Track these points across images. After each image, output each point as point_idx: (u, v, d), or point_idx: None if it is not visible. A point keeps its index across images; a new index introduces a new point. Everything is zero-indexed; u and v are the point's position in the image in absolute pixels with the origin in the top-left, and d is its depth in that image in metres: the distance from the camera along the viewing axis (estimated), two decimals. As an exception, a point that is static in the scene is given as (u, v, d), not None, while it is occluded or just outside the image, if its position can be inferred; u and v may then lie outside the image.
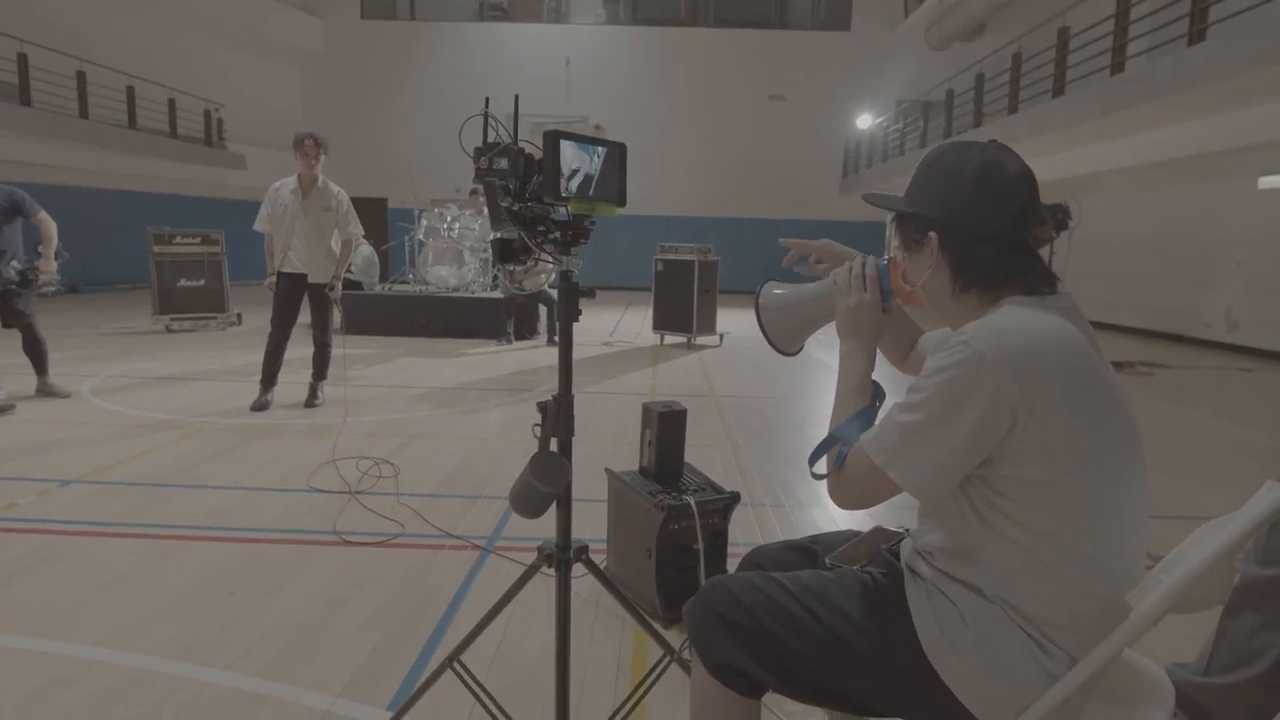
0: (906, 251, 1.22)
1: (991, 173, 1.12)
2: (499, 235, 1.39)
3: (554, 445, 1.42)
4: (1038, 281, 1.13)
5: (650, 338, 9.15)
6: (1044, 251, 1.22)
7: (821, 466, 1.19)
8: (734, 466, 3.95)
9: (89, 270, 14.44)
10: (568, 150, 1.27)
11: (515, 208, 1.32)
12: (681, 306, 8.52)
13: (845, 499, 1.16)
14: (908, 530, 1.36)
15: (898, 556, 1.28)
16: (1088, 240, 11.74)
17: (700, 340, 8.76)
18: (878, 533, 1.42)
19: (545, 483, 1.34)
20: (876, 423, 1.15)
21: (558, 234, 1.35)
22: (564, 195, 1.27)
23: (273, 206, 4.86)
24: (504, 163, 1.28)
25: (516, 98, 1.38)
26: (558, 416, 1.39)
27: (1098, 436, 1.05)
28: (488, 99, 1.37)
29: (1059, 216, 6.14)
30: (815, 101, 18.86)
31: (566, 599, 1.47)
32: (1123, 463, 1.07)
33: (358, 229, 5.08)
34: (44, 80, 12.17)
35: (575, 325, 1.39)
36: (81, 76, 13.11)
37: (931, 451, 1.05)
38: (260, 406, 4.96)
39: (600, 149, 1.32)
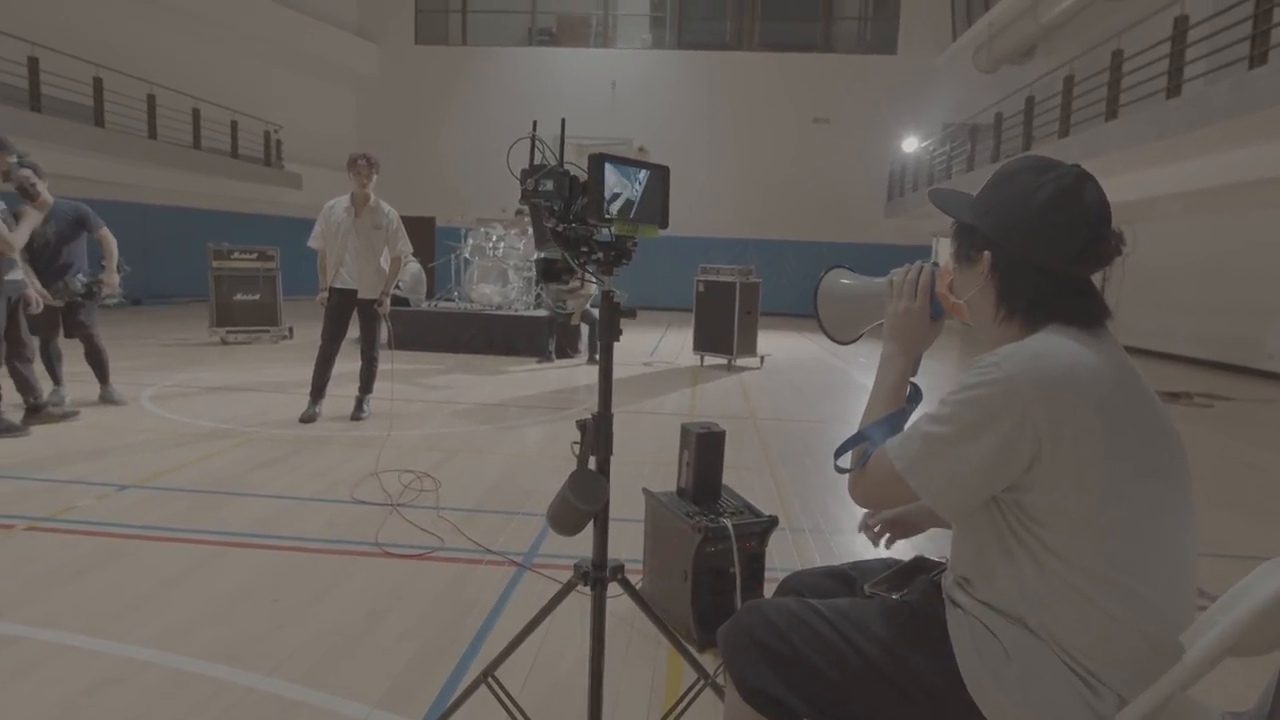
0: (958, 263, 1.20)
1: (1062, 204, 1.07)
2: (543, 255, 1.42)
3: (592, 463, 1.44)
4: (1087, 313, 1.10)
5: (691, 359, 9.15)
6: (1096, 278, 1.19)
7: (846, 461, 1.22)
8: (773, 490, 3.91)
9: (152, 283, 15.03)
10: (611, 173, 1.29)
11: (560, 228, 1.34)
12: (722, 328, 8.50)
13: (863, 497, 1.19)
14: (949, 560, 1.34)
15: (939, 587, 1.26)
16: (1142, 267, 11.42)
17: (741, 362, 8.72)
18: (918, 562, 1.39)
19: (583, 501, 1.35)
20: (906, 428, 1.16)
21: (600, 254, 1.37)
22: (607, 217, 1.29)
23: (326, 224, 5.03)
24: (550, 184, 1.31)
25: (563, 121, 1.42)
26: (597, 435, 1.40)
27: (1135, 469, 1.02)
28: (535, 123, 1.41)
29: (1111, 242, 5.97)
30: (860, 125, 18.78)
31: (601, 618, 1.47)
32: (1165, 497, 1.04)
33: (407, 247, 5.22)
34: (117, 103, 12.80)
35: (616, 345, 1.41)
36: (151, 99, 13.74)
37: (950, 465, 1.05)
38: (308, 418, 5.09)
39: (643, 171, 1.34)
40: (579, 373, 8.06)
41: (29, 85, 11.34)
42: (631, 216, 1.34)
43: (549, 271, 1.42)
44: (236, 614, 2.38)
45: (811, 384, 7.85)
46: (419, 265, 10.71)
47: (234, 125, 15.97)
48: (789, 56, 19.23)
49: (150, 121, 13.75)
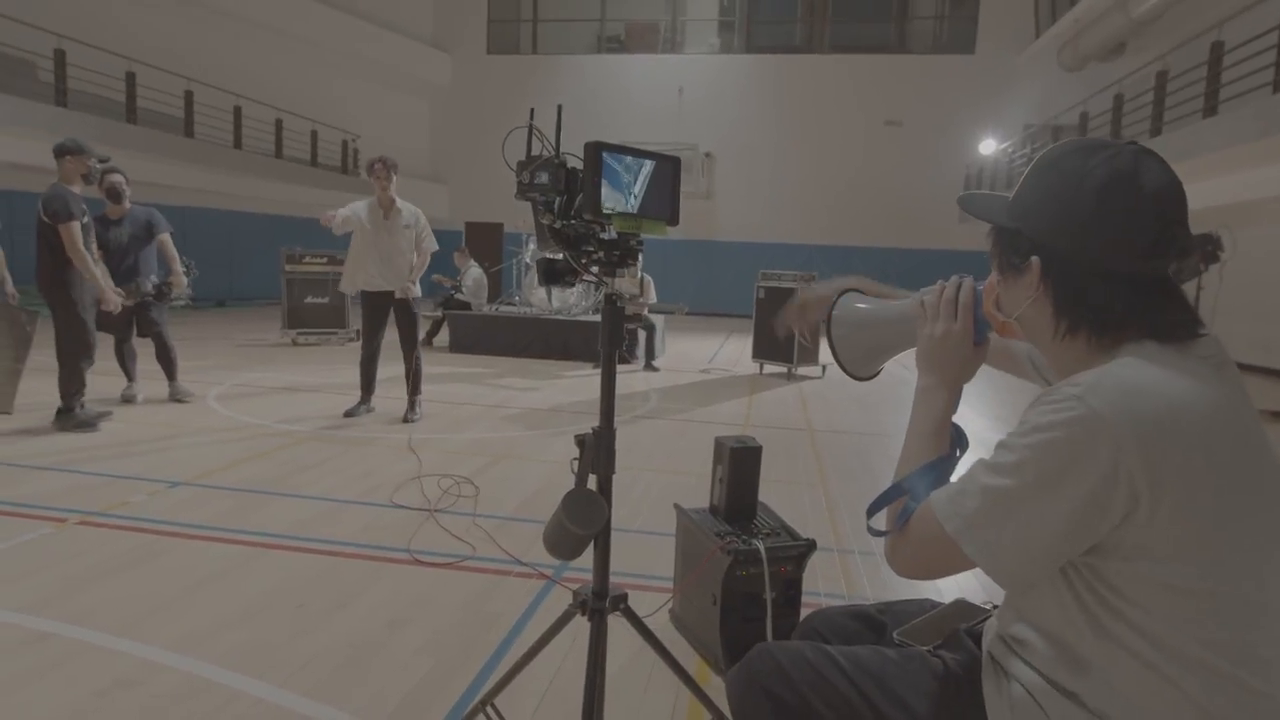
0: (1002, 274, 1.01)
1: (1120, 189, 0.88)
2: (544, 255, 1.31)
3: (593, 483, 1.32)
4: (1173, 325, 0.89)
5: (750, 366, 8.93)
6: (1190, 286, 0.97)
7: (882, 521, 1.02)
8: (823, 508, 3.71)
9: (236, 287, 15.76)
10: (612, 164, 1.17)
11: (557, 225, 1.23)
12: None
13: (905, 565, 0.98)
14: (995, 607, 1.16)
15: (979, 641, 1.08)
16: (1242, 275, 10.55)
17: (801, 371, 8.46)
18: (959, 607, 1.22)
19: (578, 524, 1.23)
20: (954, 478, 0.98)
21: (601, 254, 1.25)
22: (605, 213, 1.17)
23: (355, 219, 5.10)
24: (545, 177, 1.20)
25: (560, 108, 1.30)
26: (598, 452, 1.28)
27: (1247, 528, 0.82)
28: (532, 110, 1.30)
29: (1208, 248, 5.52)
30: (935, 127, 18.13)
31: (601, 652, 1.35)
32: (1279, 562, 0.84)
33: (433, 244, 5.38)
34: (205, 114, 13.47)
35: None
36: (238, 111, 14.42)
37: (1018, 528, 0.85)
38: (352, 413, 5.25)
39: (648, 163, 1.21)
40: (635, 379, 7.96)
41: (126, 99, 12.04)
42: (636, 212, 1.21)
43: (550, 272, 1.31)
44: (260, 619, 2.35)
45: (874, 395, 7.53)
46: (481, 270, 10.84)
47: (314, 135, 16.60)
48: (860, 58, 18.75)
49: (236, 132, 14.44)
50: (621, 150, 1.18)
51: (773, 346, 8.41)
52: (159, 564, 2.73)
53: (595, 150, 1.15)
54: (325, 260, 9.92)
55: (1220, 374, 0.88)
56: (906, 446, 1.08)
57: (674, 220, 1.26)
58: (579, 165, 1.21)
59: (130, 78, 12.08)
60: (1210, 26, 9.33)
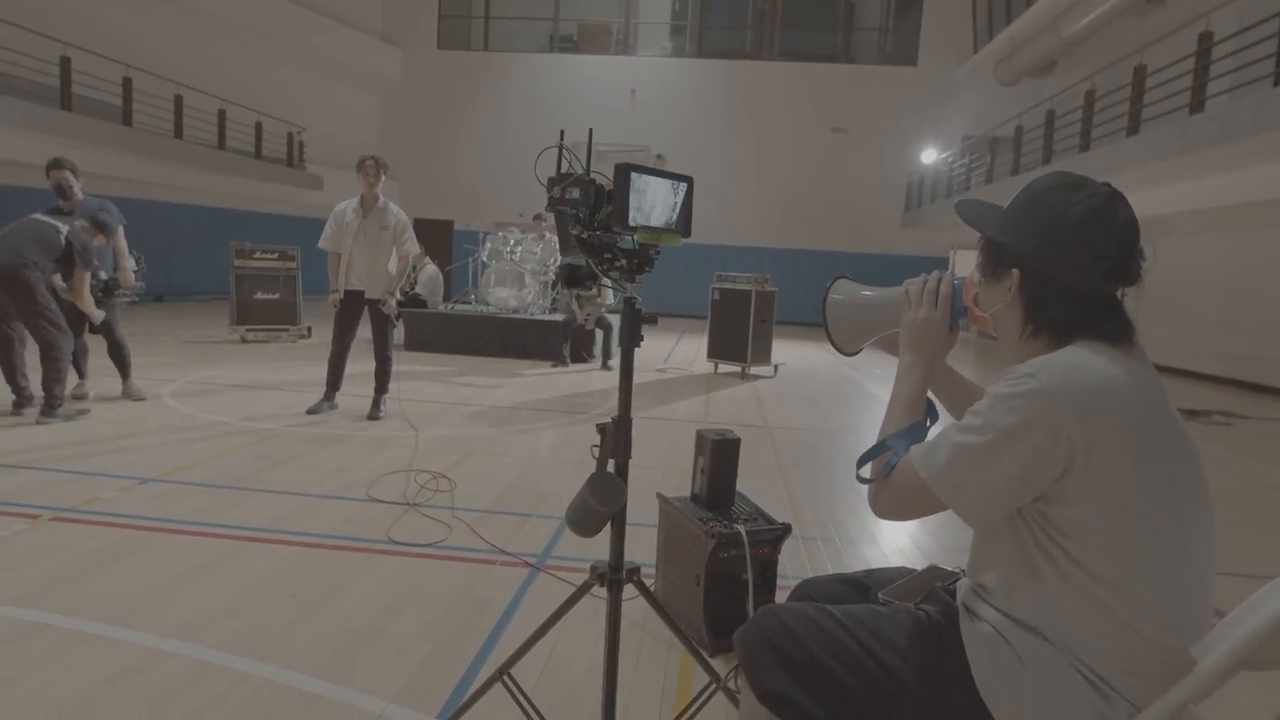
0: (984, 276, 1.21)
1: (1093, 224, 1.08)
2: (567, 261, 1.44)
3: (611, 466, 1.46)
4: (1114, 330, 1.11)
5: (705, 366, 9.16)
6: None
7: (868, 472, 1.22)
8: (785, 498, 3.91)
9: (175, 281, 15.25)
10: (652, 184, 1.32)
11: (584, 236, 1.37)
12: (737, 336, 8.52)
13: (885, 508, 1.19)
14: (963, 570, 1.35)
15: (954, 595, 1.27)
16: (1162, 283, 11.32)
17: (755, 370, 8.73)
18: (933, 571, 1.41)
19: (601, 503, 1.37)
20: (931, 438, 1.17)
21: (623, 262, 1.40)
22: (631, 225, 1.32)
23: (337, 226, 5.12)
24: (576, 193, 1.34)
25: (590, 131, 1.45)
26: (616, 438, 1.43)
27: (1162, 482, 1.04)
28: (562, 131, 1.44)
29: (1140, 260, 5.93)
30: (879, 135, 18.76)
31: (617, 619, 1.49)
32: (1189, 511, 1.05)
33: (414, 247, 5.34)
34: (145, 103, 13.01)
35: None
36: (178, 100, 13.96)
37: (980, 474, 1.06)
38: (315, 409, 5.23)
39: (670, 182, 1.37)
40: (593, 377, 8.10)
41: (60, 84, 11.56)
42: (660, 225, 1.36)
43: (572, 277, 1.45)
44: (254, 608, 2.41)
45: (825, 394, 7.84)
46: (436, 268, 10.81)
47: (258, 126, 16.18)
48: (809, 66, 19.26)
49: (177, 122, 13.98)
50: (647, 171, 1.33)
51: (728, 346, 8.65)
52: (142, 557, 2.75)
53: (625, 170, 1.30)
54: (276, 255, 9.74)
55: (1140, 363, 1.10)
56: (890, 411, 1.27)
57: (687, 232, 1.42)
58: (605, 182, 1.35)
59: (65, 62, 11.60)
60: (1134, 50, 9.97)
